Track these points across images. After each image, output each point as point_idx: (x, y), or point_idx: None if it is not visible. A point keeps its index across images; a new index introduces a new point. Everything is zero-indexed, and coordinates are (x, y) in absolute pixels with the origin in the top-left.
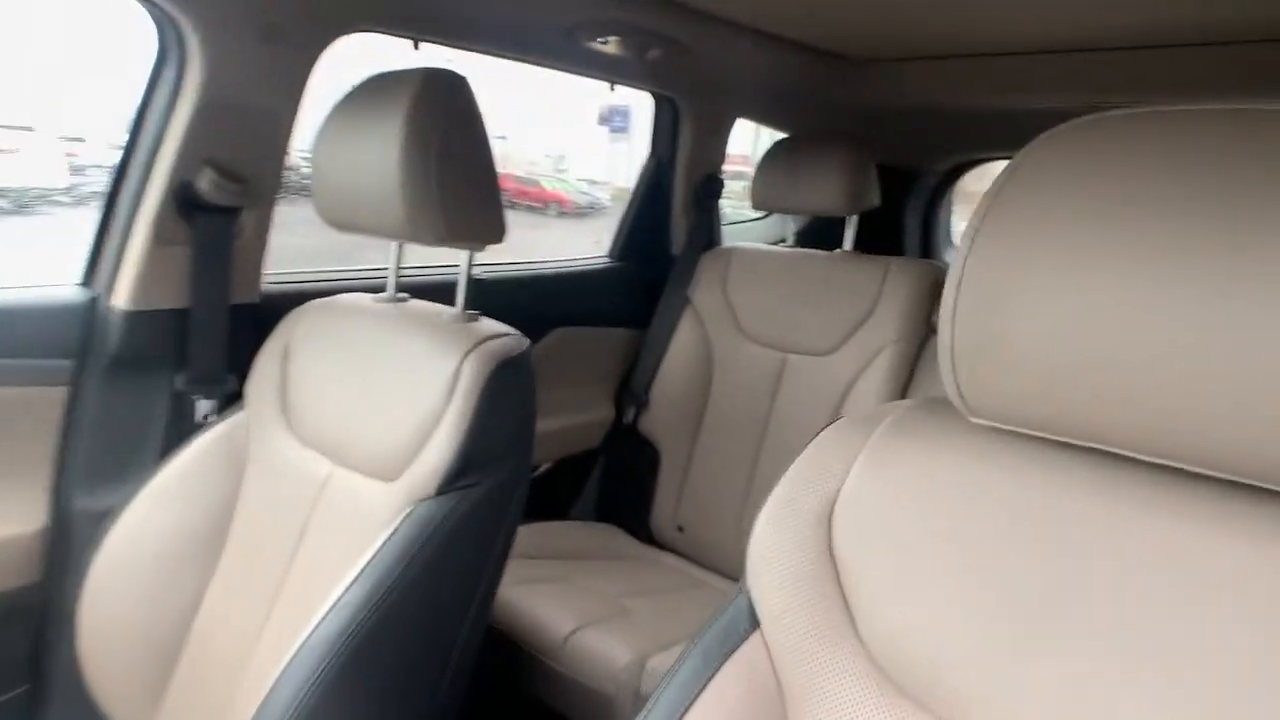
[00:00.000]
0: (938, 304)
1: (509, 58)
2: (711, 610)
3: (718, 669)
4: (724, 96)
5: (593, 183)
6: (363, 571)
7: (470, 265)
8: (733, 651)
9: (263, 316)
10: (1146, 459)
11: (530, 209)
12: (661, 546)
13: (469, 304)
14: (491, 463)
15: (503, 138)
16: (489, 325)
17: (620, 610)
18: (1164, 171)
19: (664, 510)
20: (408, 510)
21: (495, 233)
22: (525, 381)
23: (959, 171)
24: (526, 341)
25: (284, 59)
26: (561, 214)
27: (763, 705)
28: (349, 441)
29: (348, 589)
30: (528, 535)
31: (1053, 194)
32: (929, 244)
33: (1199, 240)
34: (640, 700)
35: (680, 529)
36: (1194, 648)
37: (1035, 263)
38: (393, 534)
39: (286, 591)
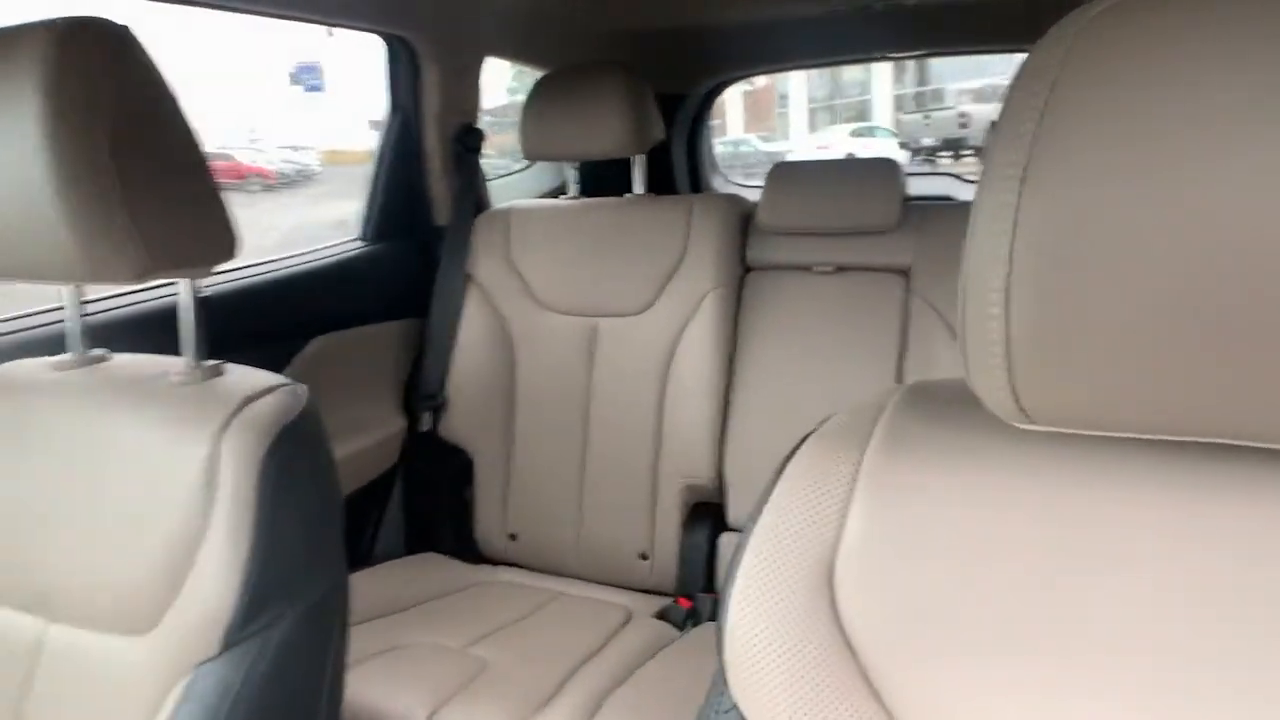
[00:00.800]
0: (749, 241)
1: (179, 1)
2: (578, 629)
3: None
4: (468, 33)
5: (295, 149)
6: None
7: (196, 295)
8: None
9: None
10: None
11: (230, 188)
12: (494, 562)
13: (201, 348)
14: (296, 580)
15: None
16: (242, 377)
17: (476, 667)
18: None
19: (489, 520)
20: (184, 681)
21: (224, 246)
22: (317, 451)
23: (717, 92)
24: (303, 389)
25: None
26: (267, 188)
27: None
28: (62, 585)
29: None
30: None
31: (1130, 97)
32: (696, 174)
33: None
34: None
35: (513, 537)
36: None
37: (1130, 204)
38: None
39: None
